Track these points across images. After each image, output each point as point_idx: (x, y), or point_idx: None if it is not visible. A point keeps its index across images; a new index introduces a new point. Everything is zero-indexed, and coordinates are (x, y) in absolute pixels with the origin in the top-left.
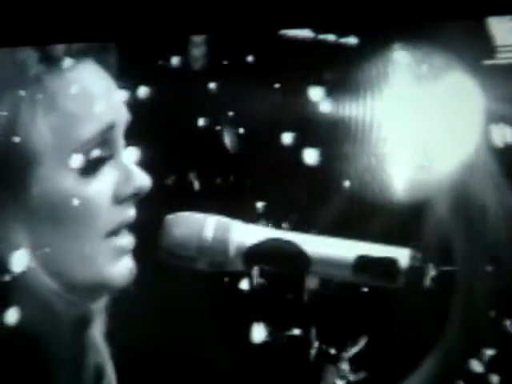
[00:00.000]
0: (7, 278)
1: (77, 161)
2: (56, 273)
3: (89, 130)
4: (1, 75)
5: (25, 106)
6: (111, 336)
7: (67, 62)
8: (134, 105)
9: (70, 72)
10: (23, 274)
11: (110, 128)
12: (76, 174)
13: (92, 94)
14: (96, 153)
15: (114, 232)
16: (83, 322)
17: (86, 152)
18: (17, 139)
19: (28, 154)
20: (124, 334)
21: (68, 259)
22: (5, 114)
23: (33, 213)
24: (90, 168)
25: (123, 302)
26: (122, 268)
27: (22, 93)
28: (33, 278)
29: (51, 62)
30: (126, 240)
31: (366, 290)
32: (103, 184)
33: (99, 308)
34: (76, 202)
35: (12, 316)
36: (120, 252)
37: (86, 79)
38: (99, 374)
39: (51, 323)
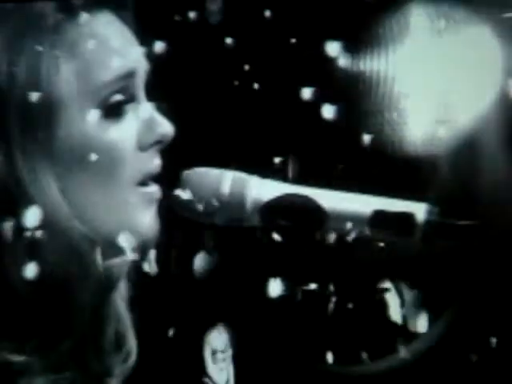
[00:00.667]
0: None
1: (100, 105)
2: (85, 220)
3: (110, 74)
4: (18, 28)
5: (46, 56)
6: (134, 303)
7: (85, 12)
8: (150, 60)
9: (89, 21)
10: (56, 220)
11: (131, 74)
12: (99, 119)
13: (112, 42)
14: (118, 97)
15: (141, 182)
16: (108, 282)
17: (108, 96)
18: (40, 87)
19: (53, 99)
20: (147, 301)
21: (95, 206)
22: (25, 65)
23: (60, 158)
24: (113, 113)
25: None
26: (149, 218)
27: (41, 44)
28: (65, 223)
29: (69, 11)
30: (154, 189)
31: (382, 244)
32: (126, 130)
33: (122, 272)
34: (100, 146)
35: (36, 267)
36: (147, 201)
37: (105, 28)
38: (119, 342)
39: (82, 273)
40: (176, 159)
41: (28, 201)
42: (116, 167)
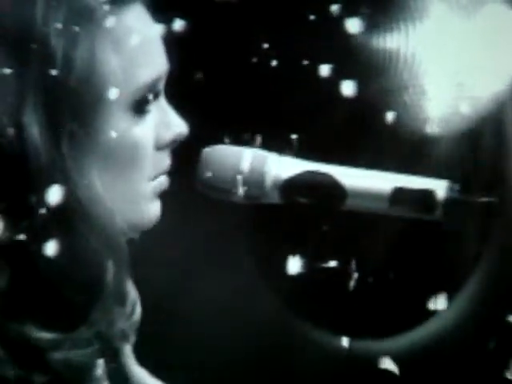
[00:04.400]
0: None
1: (134, 103)
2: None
3: (150, 75)
4: (70, 18)
5: (97, 48)
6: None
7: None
8: (169, 38)
9: (129, 15)
10: (88, 203)
11: (163, 73)
12: (131, 116)
13: (152, 42)
14: (149, 97)
15: (153, 179)
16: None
17: (143, 95)
18: (91, 78)
19: (101, 91)
20: (150, 258)
21: (112, 200)
22: (78, 55)
23: (96, 149)
24: (140, 111)
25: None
26: (156, 207)
27: (92, 37)
28: (96, 207)
29: (115, 4)
30: (162, 179)
31: (402, 222)
32: (148, 128)
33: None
34: (126, 143)
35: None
36: (156, 192)
37: (144, 25)
38: (122, 297)
39: (108, 252)
40: (195, 138)
41: (60, 180)
42: (136, 165)
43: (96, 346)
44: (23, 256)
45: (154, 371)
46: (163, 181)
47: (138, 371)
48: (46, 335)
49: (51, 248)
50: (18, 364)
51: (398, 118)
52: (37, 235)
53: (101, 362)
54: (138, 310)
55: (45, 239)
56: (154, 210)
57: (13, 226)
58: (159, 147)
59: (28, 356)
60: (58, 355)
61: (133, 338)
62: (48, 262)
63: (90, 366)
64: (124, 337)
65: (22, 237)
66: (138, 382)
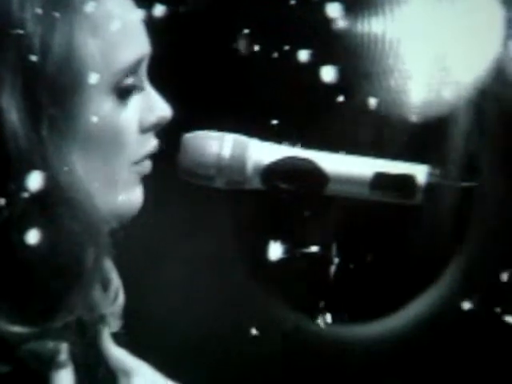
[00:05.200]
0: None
1: (115, 87)
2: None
3: (130, 58)
4: (48, 3)
5: (75, 32)
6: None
7: None
8: (149, 23)
9: (107, 0)
10: (69, 188)
11: (144, 58)
12: (112, 100)
13: (132, 25)
14: (130, 80)
15: (138, 162)
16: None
17: (123, 79)
18: (69, 62)
19: (80, 75)
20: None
21: (93, 186)
22: (56, 40)
23: (77, 134)
24: (123, 95)
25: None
26: (138, 193)
27: (70, 20)
28: (77, 192)
29: None
30: (146, 165)
31: (383, 207)
32: (132, 112)
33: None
34: (109, 127)
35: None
36: (138, 178)
37: (123, 9)
38: (105, 283)
39: (88, 239)
40: (176, 123)
41: (40, 166)
42: (119, 149)
43: (66, 334)
44: (3, 243)
45: (133, 351)
46: (146, 165)
47: (116, 352)
48: (16, 329)
49: (32, 234)
50: None
51: (379, 103)
52: (17, 221)
53: (65, 346)
54: (121, 296)
55: (25, 226)
56: (136, 196)
57: None
58: (143, 130)
59: None
60: (25, 347)
61: (117, 323)
62: (28, 249)
63: (56, 353)
64: (104, 322)
65: (1, 223)
66: (117, 362)
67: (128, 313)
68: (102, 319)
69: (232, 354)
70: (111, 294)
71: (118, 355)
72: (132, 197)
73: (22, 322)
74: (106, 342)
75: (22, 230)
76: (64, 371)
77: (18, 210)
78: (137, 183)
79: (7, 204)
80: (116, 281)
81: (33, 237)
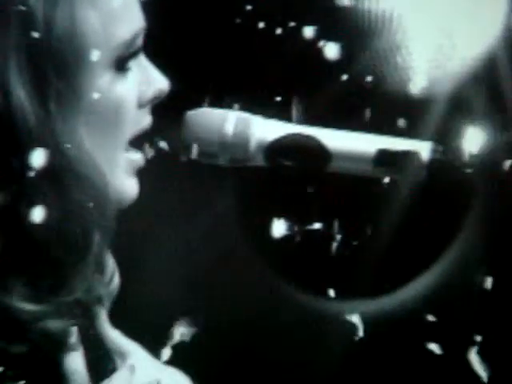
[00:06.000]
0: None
1: (115, 60)
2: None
3: (130, 31)
4: None
5: (77, 6)
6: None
7: None
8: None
9: None
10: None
11: (141, 32)
12: (112, 74)
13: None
14: (128, 54)
15: (133, 142)
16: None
17: (123, 52)
18: (73, 37)
19: (83, 49)
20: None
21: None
22: (59, 15)
23: (76, 107)
24: (122, 69)
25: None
26: (133, 183)
27: None
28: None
29: None
30: (138, 157)
31: (386, 183)
32: (131, 86)
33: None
34: (109, 101)
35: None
36: (132, 169)
37: None
38: (100, 265)
39: (96, 216)
40: (179, 101)
41: (49, 141)
42: (118, 124)
43: (73, 314)
44: (13, 221)
45: (127, 332)
46: (138, 158)
47: (112, 333)
48: (28, 306)
49: (41, 210)
50: None
51: (382, 80)
52: (27, 198)
53: (75, 329)
54: (116, 279)
55: (35, 202)
56: (131, 187)
57: (2, 190)
58: (141, 104)
59: (8, 328)
60: (37, 326)
61: (107, 304)
62: (38, 224)
63: (66, 335)
64: (100, 303)
65: (11, 200)
66: (113, 343)
67: (127, 294)
68: (99, 300)
69: (240, 329)
70: (107, 276)
71: (115, 336)
72: (127, 187)
73: (34, 299)
74: (104, 323)
75: (33, 206)
76: (75, 354)
77: (27, 186)
78: (132, 174)
79: (17, 180)
80: (111, 264)
81: (43, 212)
